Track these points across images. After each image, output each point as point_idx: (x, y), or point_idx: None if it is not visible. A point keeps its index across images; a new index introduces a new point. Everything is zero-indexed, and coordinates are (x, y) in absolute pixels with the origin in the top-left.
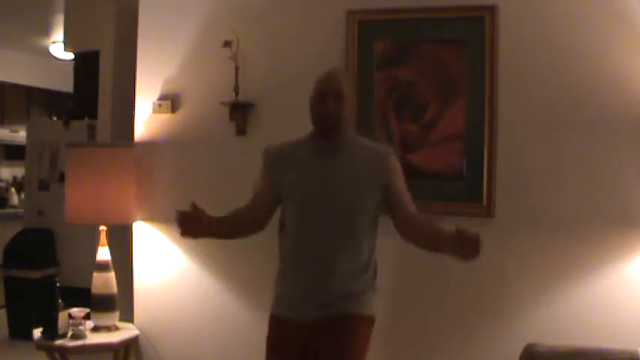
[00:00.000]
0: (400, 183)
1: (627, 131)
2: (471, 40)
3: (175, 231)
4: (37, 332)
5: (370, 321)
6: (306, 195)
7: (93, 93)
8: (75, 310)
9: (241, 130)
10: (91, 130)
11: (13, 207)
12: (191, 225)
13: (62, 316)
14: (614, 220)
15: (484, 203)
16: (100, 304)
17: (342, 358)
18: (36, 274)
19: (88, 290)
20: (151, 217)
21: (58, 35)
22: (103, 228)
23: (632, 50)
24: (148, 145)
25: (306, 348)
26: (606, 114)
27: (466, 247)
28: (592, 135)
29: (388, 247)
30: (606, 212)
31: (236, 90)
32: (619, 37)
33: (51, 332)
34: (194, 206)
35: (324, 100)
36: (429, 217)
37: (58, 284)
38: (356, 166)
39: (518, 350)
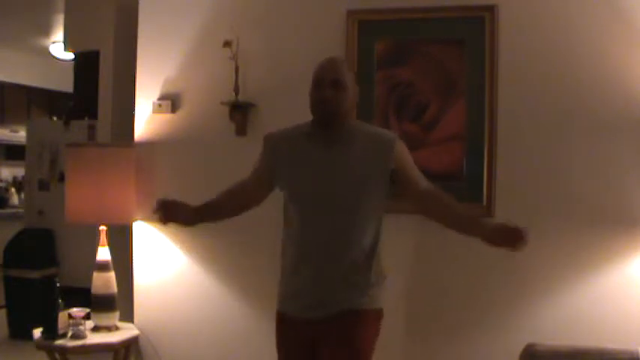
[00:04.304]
0: (409, 165)
1: (628, 131)
2: (471, 40)
3: (173, 228)
4: (37, 332)
5: (378, 315)
6: (308, 187)
7: (93, 93)
8: (75, 310)
9: (241, 130)
10: (91, 130)
11: (13, 207)
12: (172, 213)
13: (62, 316)
14: (614, 220)
15: (484, 203)
16: (100, 304)
17: (350, 355)
18: (36, 274)
19: (88, 290)
20: (151, 217)
21: (58, 35)
22: (103, 228)
23: (632, 49)
24: (148, 145)
25: (314, 343)
26: (607, 114)
27: (507, 240)
28: (592, 134)
29: (389, 247)
30: (606, 212)
31: (236, 90)
32: (619, 36)
33: (51, 332)
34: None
35: (321, 87)
36: (448, 197)
37: (58, 284)
38: (358, 156)
39: (518, 350)
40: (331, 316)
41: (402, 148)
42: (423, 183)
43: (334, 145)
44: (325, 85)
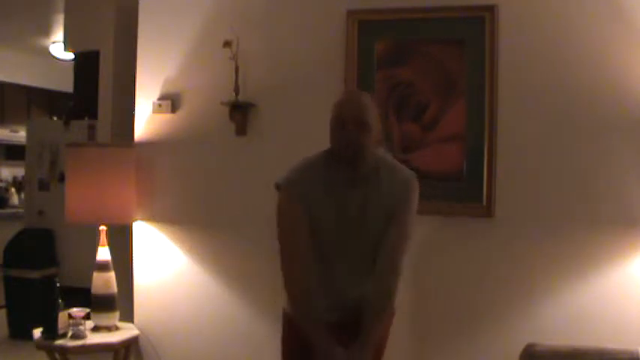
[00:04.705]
0: (402, 218)
1: (628, 131)
2: (471, 40)
3: (173, 228)
4: (37, 332)
5: (391, 312)
6: (332, 224)
7: (93, 93)
8: (75, 310)
9: (241, 130)
10: (91, 130)
11: (13, 207)
12: None
13: (62, 316)
14: (614, 220)
15: (484, 203)
16: (100, 304)
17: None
18: (36, 274)
19: (88, 290)
20: (151, 217)
21: (58, 35)
22: (103, 228)
23: (632, 49)
24: (148, 145)
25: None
26: (607, 114)
27: None
28: (592, 134)
29: None
30: (606, 212)
31: (236, 90)
32: (619, 36)
33: (51, 332)
34: None
35: (346, 127)
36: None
37: (58, 284)
38: (380, 192)
39: (518, 350)
40: (348, 317)
41: (411, 196)
42: (387, 256)
43: (356, 184)
44: (350, 126)
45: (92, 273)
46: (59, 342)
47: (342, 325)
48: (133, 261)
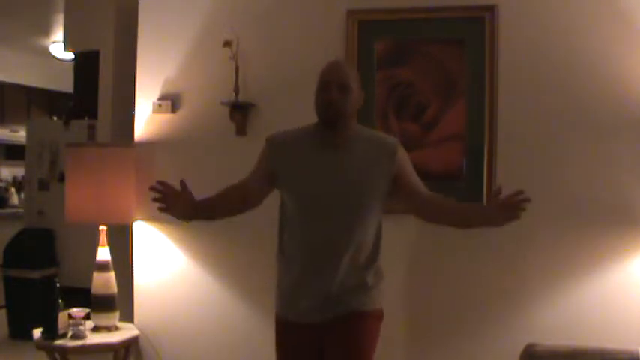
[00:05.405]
0: (409, 171)
1: (627, 131)
2: (471, 40)
3: (173, 228)
4: (37, 332)
5: (379, 315)
6: (310, 188)
7: (93, 93)
8: (75, 310)
9: (241, 130)
10: (91, 130)
11: (13, 207)
12: (174, 203)
13: (62, 316)
14: (614, 220)
15: (484, 203)
16: (100, 304)
17: (353, 356)
18: (36, 274)
19: (88, 290)
20: (151, 217)
21: (58, 35)
22: (103, 228)
23: (632, 49)
24: (148, 145)
25: (317, 347)
26: (606, 114)
27: (504, 211)
28: (592, 134)
29: (387, 247)
30: (606, 212)
31: (236, 90)
32: (619, 37)
33: (51, 332)
34: (183, 185)
35: (328, 88)
36: (444, 197)
37: (58, 284)
38: (361, 159)
39: (518, 350)
40: (334, 318)
41: (403, 154)
42: (423, 190)
43: (337, 147)
44: (332, 87)
45: (92, 273)
46: (59, 342)
47: (328, 324)
48: (133, 261)
